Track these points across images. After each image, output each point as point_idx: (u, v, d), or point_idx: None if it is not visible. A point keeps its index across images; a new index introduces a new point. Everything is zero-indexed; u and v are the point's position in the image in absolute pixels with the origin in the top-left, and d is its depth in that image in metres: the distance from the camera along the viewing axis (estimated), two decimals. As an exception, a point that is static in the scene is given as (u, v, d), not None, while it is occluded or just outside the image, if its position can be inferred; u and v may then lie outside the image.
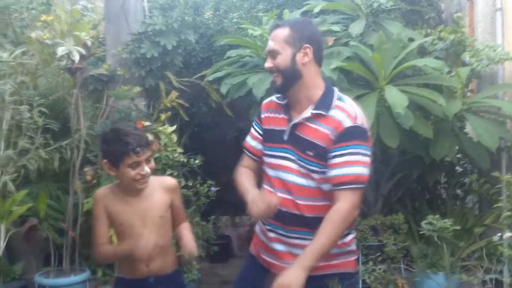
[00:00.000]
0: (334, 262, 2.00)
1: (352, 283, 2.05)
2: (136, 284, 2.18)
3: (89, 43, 3.65)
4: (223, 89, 3.60)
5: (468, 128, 3.91)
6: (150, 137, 3.83)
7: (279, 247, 2.03)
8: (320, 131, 1.93)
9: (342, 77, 3.47)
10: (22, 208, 3.57)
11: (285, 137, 2.01)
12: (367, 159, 1.89)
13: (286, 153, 2.01)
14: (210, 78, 3.85)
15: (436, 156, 3.52)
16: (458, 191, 4.38)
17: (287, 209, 1.99)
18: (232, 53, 3.87)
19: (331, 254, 1.95)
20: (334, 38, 3.70)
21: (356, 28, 3.61)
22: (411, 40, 3.65)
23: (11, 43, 4.17)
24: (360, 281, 3.73)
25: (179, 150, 3.94)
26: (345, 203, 1.86)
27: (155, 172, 3.88)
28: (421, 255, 3.83)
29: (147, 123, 3.89)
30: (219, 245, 4.43)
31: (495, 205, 3.33)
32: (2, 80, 3.73)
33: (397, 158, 3.97)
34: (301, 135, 1.97)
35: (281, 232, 2.02)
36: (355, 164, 1.87)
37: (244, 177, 2.15)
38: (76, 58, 3.48)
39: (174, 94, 4.14)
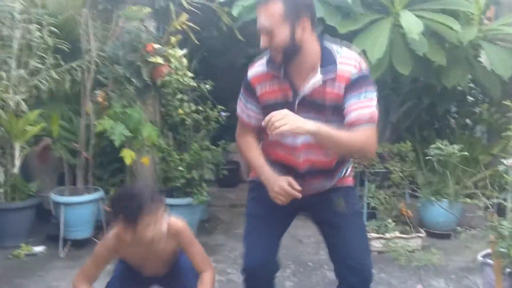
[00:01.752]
0: (337, 181, 2.13)
1: (353, 193, 2.21)
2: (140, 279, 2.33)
3: (98, -40, 3.55)
4: (235, 11, 3.53)
5: (482, 57, 3.85)
6: (161, 60, 3.82)
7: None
8: (333, 92, 1.91)
9: (357, 0, 3.39)
10: (35, 127, 3.64)
11: (296, 107, 1.93)
12: (375, 102, 1.92)
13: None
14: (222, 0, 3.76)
15: (448, 84, 3.50)
16: (468, 120, 4.38)
17: (311, 167, 2.02)
18: (244, -26, 3.75)
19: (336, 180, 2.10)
20: (350, -41, 3.57)
21: (374, -51, 3.48)
22: (429, -37, 3.53)
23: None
24: (365, 205, 3.84)
25: (189, 74, 3.92)
26: (366, 133, 1.89)
27: (164, 96, 3.95)
28: (426, 182, 3.91)
29: (157, 46, 3.86)
30: (228, 170, 4.50)
31: (503, 134, 3.33)
32: (11, -2, 3.69)
33: (408, 85, 3.94)
34: (315, 101, 1.93)
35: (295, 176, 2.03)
36: (368, 107, 1.88)
37: (252, 151, 2.08)
38: (86, -24, 3.39)
39: (184, 16, 4.06)
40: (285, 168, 2.04)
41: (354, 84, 1.88)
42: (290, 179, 1.95)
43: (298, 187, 1.94)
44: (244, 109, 2.08)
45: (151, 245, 2.10)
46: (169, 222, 2.13)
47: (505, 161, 2.53)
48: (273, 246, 2.16)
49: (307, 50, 1.89)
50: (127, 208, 2.02)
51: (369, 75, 1.94)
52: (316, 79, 1.90)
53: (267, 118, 1.78)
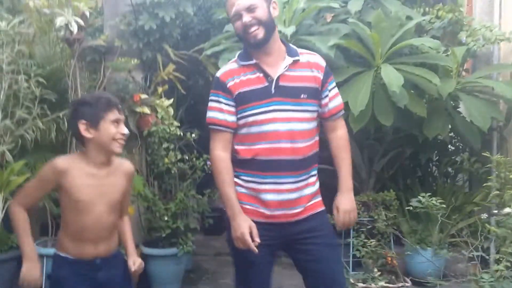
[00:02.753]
0: (317, 200, 2.22)
1: (327, 220, 2.28)
2: (81, 265, 2.07)
3: (87, 13, 3.63)
4: (222, 64, 3.60)
5: (462, 108, 3.97)
6: (147, 110, 3.87)
7: (271, 197, 2.12)
8: (308, 76, 2.15)
9: (339, 54, 3.50)
10: (20, 178, 3.61)
11: (273, 91, 2.10)
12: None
13: (276, 105, 2.11)
14: (209, 52, 3.85)
15: (429, 135, 3.58)
16: (449, 169, 4.46)
17: (284, 157, 2.10)
18: (230, 27, 3.86)
19: (314, 193, 2.19)
20: (332, 15, 3.71)
21: (355, 5, 3.61)
22: (409, 18, 3.67)
23: (7, 11, 4.14)
24: (351, 255, 3.85)
25: (176, 123, 3.96)
26: (343, 128, 2.28)
27: (151, 145, 3.97)
28: (411, 231, 3.93)
29: (144, 96, 3.92)
30: (213, 218, 4.49)
31: (485, 184, 3.40)
32: (0, 49, 3.73)
33: (391, 136, 4.03)
34: (289, 84, 2.12)
35: (272, 181, 2.12)
36: (338, 95, 2.26)
37: (226, 177, 2.12)
38: (75, 29, 3.46)
39: (171, 67, 4.14)
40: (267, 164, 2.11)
41: (327, 72, 2.19)
42: (253, 228, 2.04)
43: (258, 240, 2.02)
44: (225, 108, 2.13)
45: (107, 166, 2.08)
46: (124, 161, 2.19)
47: (489, 212, 2.57)
48: None
49: (275, 35, 2.15)
50: (90, 107, 2.03)
51: None
52: (287, 61, 2.13)
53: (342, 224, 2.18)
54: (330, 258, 2.15)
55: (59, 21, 3.49)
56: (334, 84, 2.24)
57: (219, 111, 2.13)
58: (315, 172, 2.21)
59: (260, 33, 2.08)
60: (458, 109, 3.98)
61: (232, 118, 2.13)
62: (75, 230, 2.05)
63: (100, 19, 4.19)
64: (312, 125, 2.18)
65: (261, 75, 2.12)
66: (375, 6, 3.80)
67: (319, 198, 2.23)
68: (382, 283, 3.52)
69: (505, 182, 2.98)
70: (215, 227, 4.86)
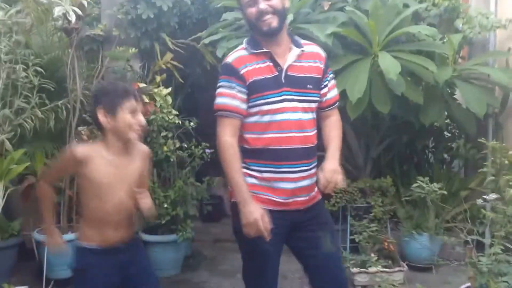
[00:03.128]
0: (317, 189, 2.26)
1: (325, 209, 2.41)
2: (105, 251, 2.10)
3: (85, 3, 3.64)
4: (219, 53, 3.62)
5: (458, 95, 4.01)
6: (146, 99, 3.88)
7: (286, 185, 2.16)
8: (313, 66, 2.22)
9: (337, 42, 3.52)
10: (20, 166, 3.64)
11: (283, 80, 2.14)
12: None
13: (286, 95, 2.14)
14: (207, 41, 3.86)
15: (426, 122, 3.62)
16: (445, 155, 4.51)
17: (297, 146, 2.15)
18: (228, 15, 3.88)
19: (316, 182, 2.21)
20: (330, 3, 3.72)
21: (352, -7, 3.63)
22: (406, 6, 3.68)
23: (5, 1, 4.13)
24: (348, 239, 3.91)
25: (174, 112, 3.99)
26: (338, 116, 2.34)
27: (149, 134, 3.99)
28: (407, 216, 3.99)
29: (142, 85, 3.93)
30: (212, 205, 4.54)
31: (480, 170, 3.45)
32: (-2, 38, 3.74)
33: (388, 123, 4.07)
34: (296, 75, 2.17)
35: (287, 170, 2.15)
36: (335, 86, 2.34)
37: (235, 164, 2.11)
38: (73, 18, 3.47)
39: (169, 55, 4.16)
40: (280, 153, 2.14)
41: (327, 63, 2.27)
42: (265, 214, 2.03)
43: (270, 226, 2.02)
44: (238, 95, 2.13)
45: (126, 153, 2.11)
46: (141, 144, 2.21)
47: (486, 196, 2.62)
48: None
49: (285, 26, 2.21)
50: (108, 95, 2.06)
51: None
52: (294, 52, 2.18)
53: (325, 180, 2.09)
54: (330, 245, 2.20)
55: (57, 11, 3.49)
56: (332, 75, 2.33)
57: (232, 97, 2.13)
58: (316, 161, 2.26)
59: (274, 21, 2.11)
60: (454, 96, 4.02)
61: (243, 106, 2.14)
62: (98, 217, 2.10)
63: (97, 8, 4.19)
64: (315, 115, 2.26)
65: (271, 64, 2.15)
66: (372, -7, 3.81)
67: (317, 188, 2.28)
68: (379, 267, 3.57)
69: (501, 167, 3.02)
70: (213, 214, 4.93)
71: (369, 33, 3.53)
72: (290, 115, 2.13)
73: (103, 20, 4.10)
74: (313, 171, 2.21)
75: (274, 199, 2.14)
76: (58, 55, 4.18)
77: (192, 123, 4.07)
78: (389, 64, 3.24)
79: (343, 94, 3.41)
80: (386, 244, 3.76)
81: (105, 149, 2.10)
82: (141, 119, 2.09)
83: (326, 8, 3.71)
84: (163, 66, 4.13)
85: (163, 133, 3.96)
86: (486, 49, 4.09)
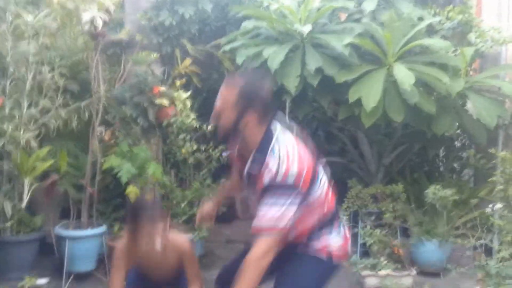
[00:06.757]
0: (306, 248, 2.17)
1: (322, 268, 2.18)
2: None
3: (111, 9, 3.78)
4: (239, 60, 3.75)
5: (469, 106, 4.11)
6: (166, 102, 4.02)
7: None
8: (260, 182, 2.00)
9: (353, 52, 3.64)
10: (45, 164, 3.78)
11: (244, 178, 2.12)
12: (279, 210, 1.96)
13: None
14: (227, 48, 3.99)
15: (438, 131, 3.73)
16: (455, 164, 4.61)
17: None
18: (248, 24, 4.00)
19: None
20: (346, 14, 3.85)
21: (369, 5, 3.75)
22: (420, 19, 3.81)
23: (32, 4, 4.29)
24: (359, 243, 4.01)
25: (192, 115, 4.12)
26: (253, 249, 1.98)
27: (169, 135, 4.13)
28: (417, 222, 4.08)
29: (162, 88, 4.07)
30: (226, 206, 4.63)
31: (490, 179, 3.55)
32: (26, 41, 3.89)
33: (400, 131, 4.18)
34: (252, 179, 2.06)
35: None
36: (264, 216, 1.97)
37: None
38: (99, 24, 3.62)
39: (188, 61, 4.29)
40: None
41: (265, 190, 1.97)
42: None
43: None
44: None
45: (152, 254, 2.41)
46: (173, 237, 2.49)
47: (491, 206, 2.72)
48: None
49: (248, 137, 2.03)
50: (130, 218, 2.42)
51: (284, 185, 1.95)
52: (248, 165, 2.04)
53: None
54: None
55: (85, 17, 3.64)
56: (264, 203, 1.98)
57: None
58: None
59: (220, 134, 2.09)
60: (465, 107, 4.12)
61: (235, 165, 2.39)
62: None
63: (121, 13, 4.34)
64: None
65: (239, 158, 2.16)
66: (388, 7, 3.94)
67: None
68: (389, 271, 3.67)
69: (510, 177, 3.12)
70: (225, 215, 5.03)
71: (385, 44, 3.65)
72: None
73: (127, 25, 4.25)
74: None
75: None
76: (82, 58, 4.33)
77: (209, 127, 4.19)
78: (404, 75, 3.36)
79: (358, 103, 3.54)
80: (396, 249, 3.86)
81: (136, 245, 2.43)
82: (154, 242, 2.36)
83: (342, 19, 3.83)
84: (182, 71, 4.26)
85: (181, 136, 4.09)
86: (497, 63, 4.20)
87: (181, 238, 2.57)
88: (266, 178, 1.96)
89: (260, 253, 1.96)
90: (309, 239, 2.15)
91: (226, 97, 2.01)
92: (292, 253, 2.16)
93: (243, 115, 1.99)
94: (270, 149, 2.00)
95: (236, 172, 2.29)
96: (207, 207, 2.45)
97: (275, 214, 1.96)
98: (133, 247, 2.41)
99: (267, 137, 2.03)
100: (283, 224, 1.97)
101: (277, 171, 1.96)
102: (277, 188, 1.96)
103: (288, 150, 2.00)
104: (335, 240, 2.17)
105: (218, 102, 2.02)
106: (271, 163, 1.97)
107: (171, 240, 2.48)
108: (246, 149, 2.07)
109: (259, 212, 1.97)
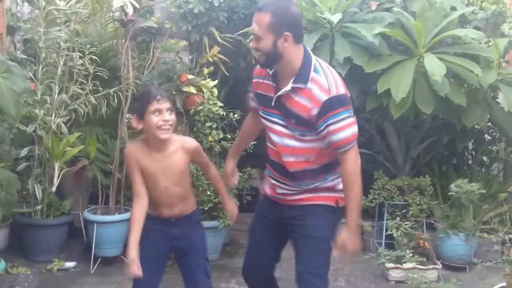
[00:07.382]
0: (311, 195, 2.30)
1: (330, 215, 2.31)
2: (160, 220, 2.50)
3: (142, -4, 3.81)
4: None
5: (501, 98, 4.03)
6: (193, 90, 4.04)
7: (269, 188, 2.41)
8: (301, 104, 2.16)
9: (383, 42, 3.60)
10: (75, 149, 3.85)
11: (272, 104, 2.24)
12: (351, 120, 2.15)
13: (275, 117, 2.27)
14: (256, 36, 3.96)
15: (468, 124, 3.67)
16: (485, 158, 4.54)
17: (276, 160, 2.32)
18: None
19: (309, 189, 2.28)
20: (377, 3, 3.80)
21: (400, -6, 3.70)
22: (453, 9, 3.74)
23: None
24: (384, 235, 4.00)
25: (219, 104, 4.13)
26: (348, 162, 2.17)
27: (196, 123, 4.15)
28: (444, 216, 4.04)
29: (190, 76, 4.09)
30: (250, 196, 4.66)
31: (520, 173, 3.50)
32: (58, 27, 3.95)
33: (429, 123, 4.12)
34: (285, 104, 2.21)
35: (273, 178, 2.36)
36: (342, 129, 2.13)
37: (240, 135, 2.68)
38: (130, 10, 3.65)
39: (216, 49, 4.29)
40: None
41: (325, 107, 2.11)
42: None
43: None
44: (251, 96, 2.43)
45: (165, 148, 2.40)
46: (186, 139, 2.56)
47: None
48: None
49: (288, 59, 2.16)
50: (136, 103, 2.50)
51: (342, 96, 2.14)
52: (287, 87, 2.17)
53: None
54: (302, 249, 2.29)
55: (116, 3, 3.67)
56: (337, 117, 2.12)
57: (250, 96, 2.47)
58: (313, 186, 2.29)
59: (261, 59, 2.21)
60: (496, 100, 4.04)
61: (254, 104, 2.48)
62: (151, 198, 2.46)
63: (151, 0, 4.35)
64: (306, 144, 2.23)
65: (274, 85, 2.24)
66: (419, -4, 3.88)
67: (315, 194, 2.29)
68: (413, 264, 3.65)
69: (541, 172, 3.07)
70: (249, 205, 5.06)
71: (416, 35, 3.60)
72: (272, 135, 2.28)
73: (156, 12, 4.26)
74: (292, 192, 2.31)
75: (265, 189, 2.46)
76: (112, 45, 4.37)
77: (236, 115, 4.20)
78: (435, 66, 3.31)
79: (386, 93, 3.51)
80: (421, 242, 3.83)
81: (147, 147, 2.44)
82: (166, 116, 2.34)
83: (373, 8, 3.79)
84: (210, 59, 4.27)
85: (208, 124, 4.11)
86: (531, 54, 4.11)
87: (187, 138, 2.68)
88: (321, 95, 2.11)
89: (355, 158, 2.16)
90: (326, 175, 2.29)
91: (260, 21, 2.12)
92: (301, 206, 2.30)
93: (279, 34, 2.10)
94: (312, 69, 2.15)
95: (254, 114, 2.46)
96: (229, 165, 2.66)
97: (347, 122, 2.13)
98: (143, 147, 2.43)
99: (308, 56, 2.18)
100: (355, 130, 2.16)
101: (328, 87, 2.12)
102: (334, 101, 2.11)
103: (331, 70, 2.20)
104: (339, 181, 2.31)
105: (254, 28, 2.15)
106: (320, 80, 2.13)
107: (178, 140, 2.48)
108: (287, 73, 2.17)
109: (333, 128, 2.10)
